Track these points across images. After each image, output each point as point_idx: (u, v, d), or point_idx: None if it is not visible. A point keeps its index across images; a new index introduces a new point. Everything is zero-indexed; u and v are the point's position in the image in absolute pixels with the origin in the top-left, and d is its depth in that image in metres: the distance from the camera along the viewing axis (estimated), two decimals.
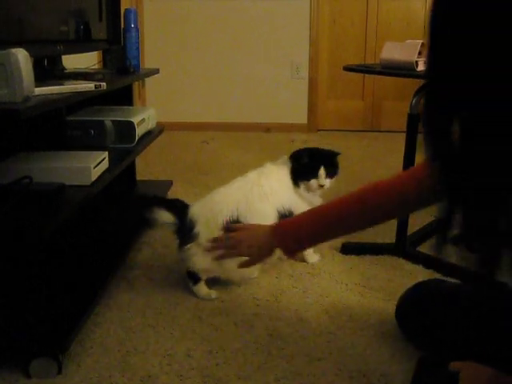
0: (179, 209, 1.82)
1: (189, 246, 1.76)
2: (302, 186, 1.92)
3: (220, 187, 1.89)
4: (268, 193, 1.85)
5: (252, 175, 1.91)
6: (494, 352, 1.30)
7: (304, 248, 1.72)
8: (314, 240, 1.57)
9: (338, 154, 1.98)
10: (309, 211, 1.58)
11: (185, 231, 1.77)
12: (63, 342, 1.42)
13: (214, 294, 1.81)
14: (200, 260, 1.75)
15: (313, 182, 1.91)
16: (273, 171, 1.93)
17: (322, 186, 1.92)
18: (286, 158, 1.97)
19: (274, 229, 1.57)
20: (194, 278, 1.81)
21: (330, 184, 1.94)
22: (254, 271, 1.91)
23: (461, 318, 1.44)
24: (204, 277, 1.81)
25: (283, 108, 4.76)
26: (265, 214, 1.81)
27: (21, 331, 1.46)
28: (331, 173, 1.94)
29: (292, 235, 1.52)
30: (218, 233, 1.71)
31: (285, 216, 1.84)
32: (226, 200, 1.81)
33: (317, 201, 1.94)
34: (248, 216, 1.78)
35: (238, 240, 1.61)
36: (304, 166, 1.92)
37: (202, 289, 1.81)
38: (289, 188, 1.92)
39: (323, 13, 4.60)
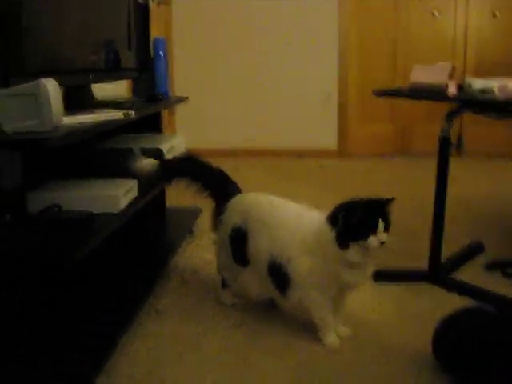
0: (225, 194, 1.89)
1: (215, 232, 1.91)
2: (355, 247, 1.54)
3: (268, 198, 1.83)
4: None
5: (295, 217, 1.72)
6: None
7: None
8: None
9: (391, 200, 1.59)
10: None
11: (217, 214, 1.89)
12: (90, 373, 1.40)
13: (230, 301, 1.93)
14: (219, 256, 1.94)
15: (372, 239, 1.53)
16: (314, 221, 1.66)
17: (382, 244, 1.54)
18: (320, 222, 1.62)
19: None
20: (223, 282, 1.95)
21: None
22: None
23: (503, 349, 1.38)
24: (230, 283, 1.93)
25: (313, 134, 4.75)
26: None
27: (47, 362, 1.44)
28: (387, 226, 1.56)
29: None
30: (227, 232, 1.82)
31: (274, 264, 1.67)
32: (258, 209, 1.78)
33: (369, 269, 1.63)
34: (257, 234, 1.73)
35: None
36: (357, 221, 1.53)
37: (225, 293, 1.95)
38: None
39: (351, 36, 4.60)
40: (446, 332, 1.52)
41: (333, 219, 1.57)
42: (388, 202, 1.58)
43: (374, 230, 1.52)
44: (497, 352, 1.39)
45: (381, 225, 1.53)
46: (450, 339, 1.50)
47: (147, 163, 1.95)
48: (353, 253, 1.54)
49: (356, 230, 1.53)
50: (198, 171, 1.95)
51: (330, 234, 1.56)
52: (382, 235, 1.53)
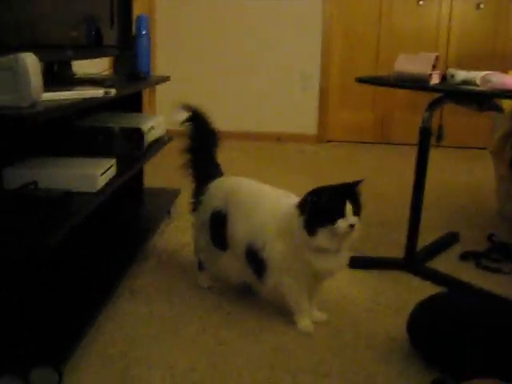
0: (207, 175, 1.90)
1: (193, 214, 1.91)
2: (324, 233, 1.52)
3: (249, 183, 1.82)
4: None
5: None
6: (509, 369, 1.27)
7: None
8: None
9: (359, 182, 1.56)
10: None
11: (197, 196, 1.90)
12: (64, 352, 1.39)
13: (206, 284, 1.92)
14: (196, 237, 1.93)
15: (340, 223, 1.51)
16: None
17: (352, 227, 1.51)
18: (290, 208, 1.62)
19: None
20: (200, 265, 1.95)
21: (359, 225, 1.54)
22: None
23: (475, 335, 1.40)
24: (208, 266, 1.92)
25: (294, 118, 4.74)
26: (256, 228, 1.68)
27: (21, 340, 1.43)
28: (357, 209, 1.53)
29: None
30: (207, 215, 1.82)
31: (251, 248, 1.67)
32: (238, 193, 1.76)
33: (343, 257, 1.62)
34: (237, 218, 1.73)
35: None
36: (324, 206, 1.51)
37: (202, 276, 1.94)
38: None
39: (335, 22, 4.58)
40: (421, 315, 1.54)
41: (301, 206, 1.57)
42: (356, 184, 1.55)
43: (341, 214, 1.50)
44: (471, 335, 1.41)
45: (349, 207, 1.50)
46: (425, 322, 1.52)
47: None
48: (322, 238, 1.53)
49: (323, 214, 1.51)
50: (206, 140, 1.98)
51: (298, 221, 1.56)
52: (350, 218, 1.50)
